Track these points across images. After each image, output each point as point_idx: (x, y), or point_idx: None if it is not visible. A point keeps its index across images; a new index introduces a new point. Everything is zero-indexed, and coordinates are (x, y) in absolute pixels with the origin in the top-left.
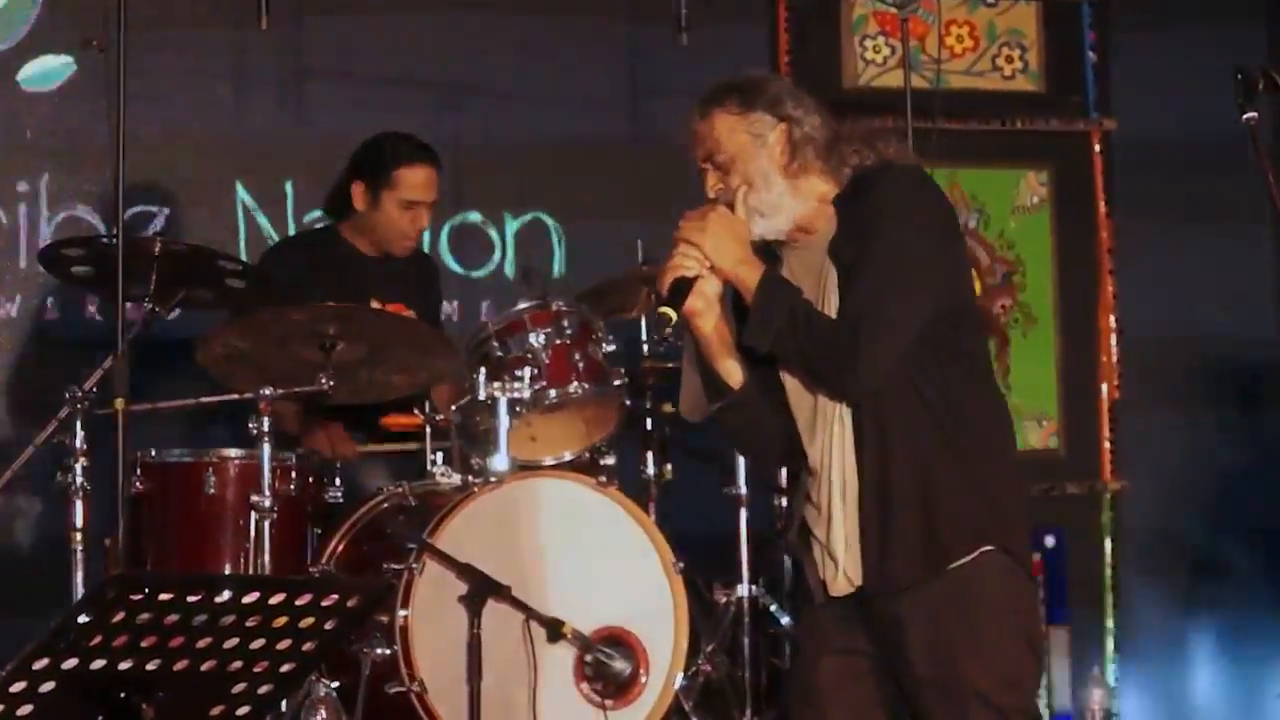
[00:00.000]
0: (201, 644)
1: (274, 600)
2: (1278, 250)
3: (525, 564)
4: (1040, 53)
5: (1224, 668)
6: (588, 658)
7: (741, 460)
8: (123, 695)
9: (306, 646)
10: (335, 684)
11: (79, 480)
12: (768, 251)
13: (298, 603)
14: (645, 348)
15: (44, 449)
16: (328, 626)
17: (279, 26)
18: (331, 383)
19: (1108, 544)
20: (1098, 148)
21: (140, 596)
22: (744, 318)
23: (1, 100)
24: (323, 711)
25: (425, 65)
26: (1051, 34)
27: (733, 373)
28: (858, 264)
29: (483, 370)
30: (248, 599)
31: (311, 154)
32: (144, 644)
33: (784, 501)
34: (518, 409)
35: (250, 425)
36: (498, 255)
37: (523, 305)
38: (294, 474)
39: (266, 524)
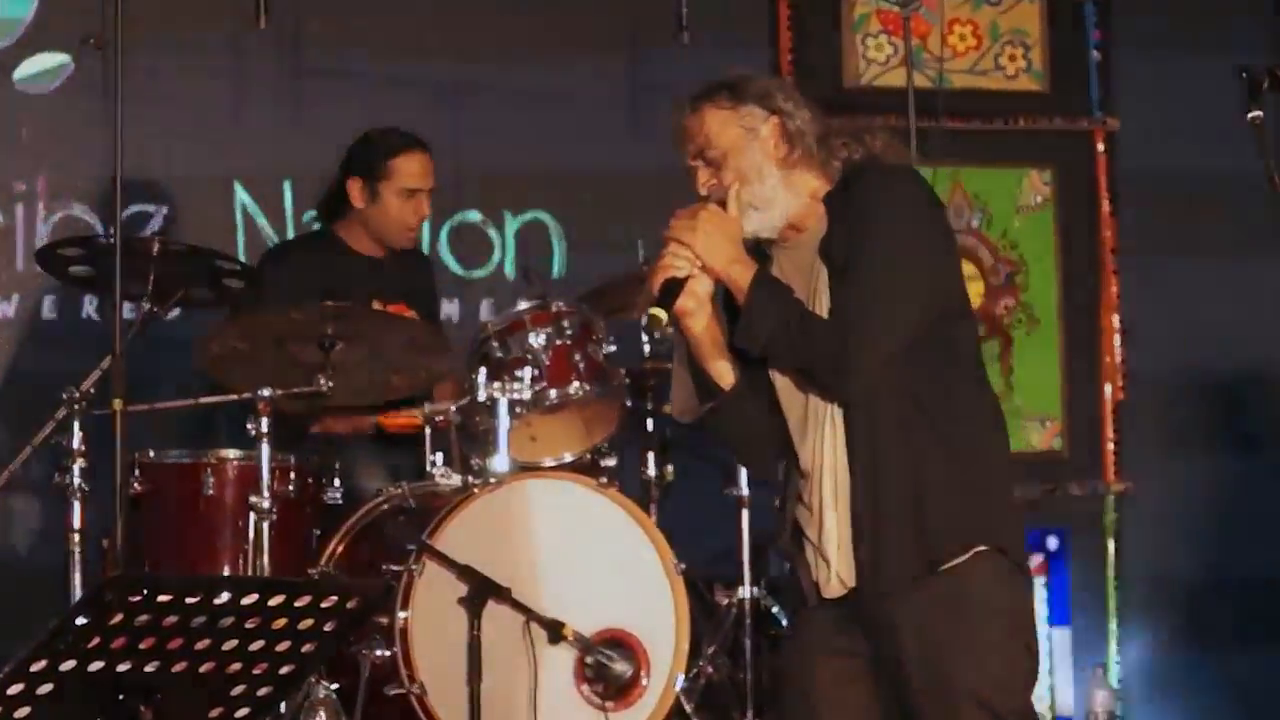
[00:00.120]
0: (200, 646)
1: (273, 602)
2: None
3: (525, 565)
4: (1043, 52)
5: (1228, 668)
6: (588, 659)
7: None
8: (121, 697)
9: (306, 648)
10: (335, 686)
11: (77, 481)
12: (758, 251)
13: (297, 604)
14: (646, 348)
15: (42, 450)
16: (327, 628)
17: (278, 26)
18: (330, 383)
19: (1111, 545)
20: (1101, 147)
21: (139, 598)
22: (735, 317)
23: None
24: (322, 713)
25: (425, 65)
26: (1055, 33)
27: (724, 373)
28: (849, 264)
29: (483, 371)
30: (247, 601)
31: (310, 154)
32: (142, 646)
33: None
34: (518, 409)
35: (249, 426)
36: (497, 255)
37: (523, 305)
38: (293, 475)
39: (265, 525)
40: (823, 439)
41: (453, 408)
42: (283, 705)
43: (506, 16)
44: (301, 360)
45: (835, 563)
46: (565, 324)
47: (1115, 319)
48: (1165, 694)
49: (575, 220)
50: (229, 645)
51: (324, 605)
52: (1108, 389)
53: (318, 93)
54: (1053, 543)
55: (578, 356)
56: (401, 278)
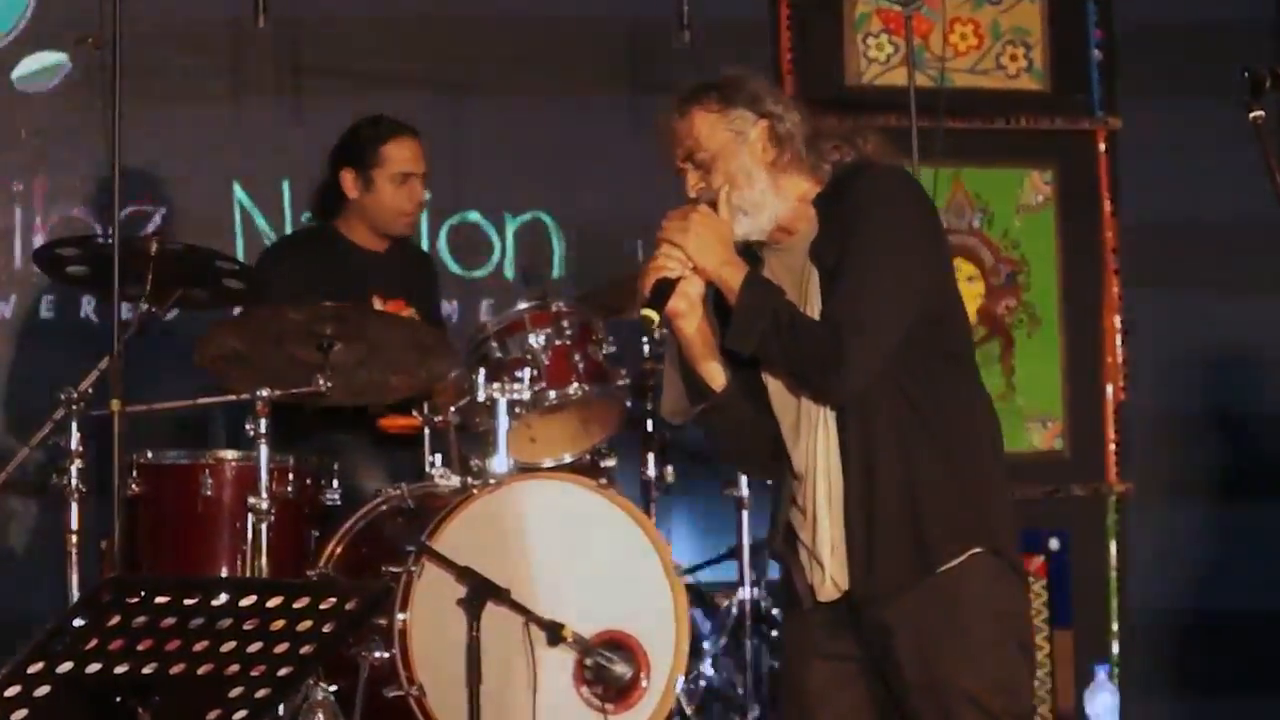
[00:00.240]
0: (198, 647)
1: (271, 603)
2: None
3: (525, 567)
4: (1045, 51)
5: (1230, 669)
6: (588, 661)
7: None
8: (119, 699)
9: (304, 650)
10: (333, 688)
11: (74, 482)
12: (748, 253)
13: (295, 606)
14: (646, 349)
15: (39, 450)
16: (325, 630)
17: (277, 25)
18: (329, 384)
19: (1112, 546)
20: (1103, 146)
21: (136, 599)
22: (726, 319)
23: None
24: (320, 715)
25: (424, 65)
26: (1056, 32)
27: (715, 375)
28: (840, 266)
29: (482, 371)
30: (245, 602)
31: (309, 153)
32: (140, 647)
33: None
34: (517, 410)
35: (247, 427)
36: (497, 255)
37: (522, 306)
38: (291, 476)
39: (264, 526)
40: (815, 442)
41: (452, 408)
42: (281, 707)
43: (507, 16)
44: (300, 360)
45: (829, 566)
46: (565, 324)
47: (1117, 319)
48: (1167, 695)
49: (575, 220)
50: (227, 647)
51: (322, 607)
52: (1109, 389)
53: (316, 92)
54: (1054, 544)
55: (577, 357)
56: (403, 274)
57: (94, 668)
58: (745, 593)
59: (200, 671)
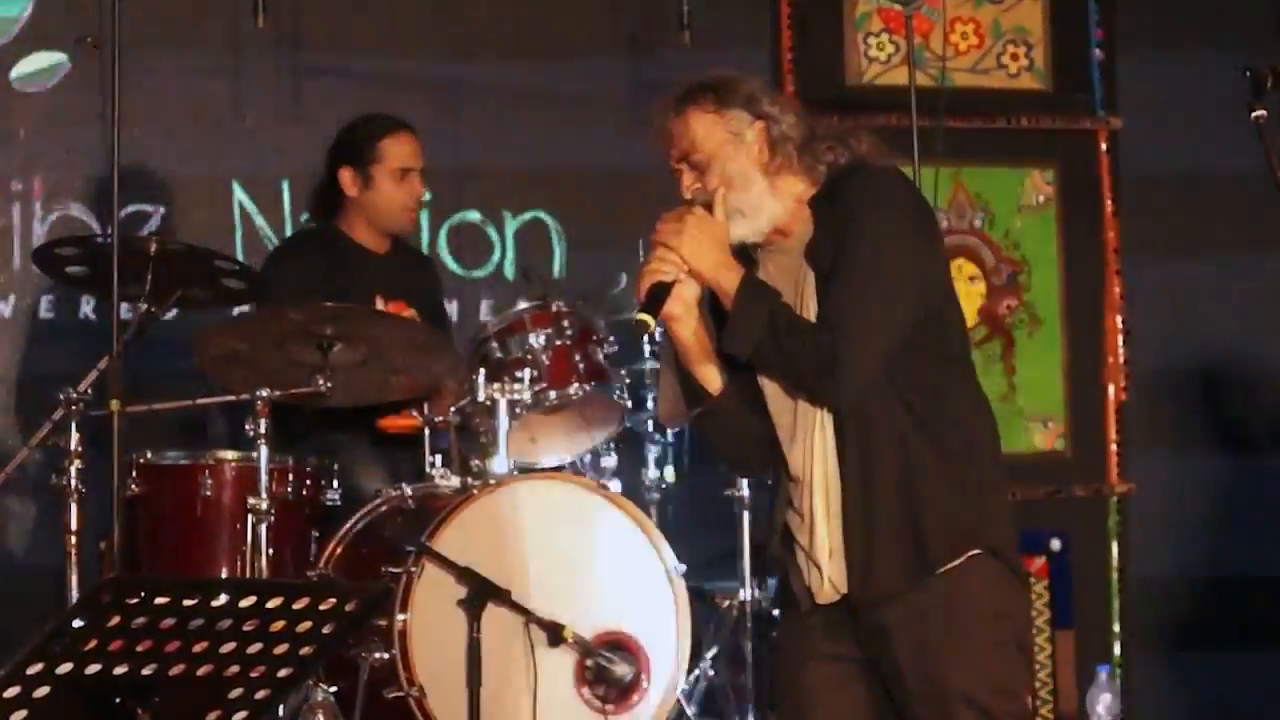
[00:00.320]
0: (198, 648)
1: (271, 604)
2: None
3: (525, 567)
4: (1046, 50)
5: (1232, 669)
6: (589, 662)
7: None
8: (118, 700)
9: (304, 651)
10: (333, 689)
11: (74, 482)
12: (743, 254)
13: (295, 607)
14: (646, 349)
15: (39, 451)
16: (325, 631)
17: (276, 24)
18: (329, 384)
19: (1114, 547)
20: (1104, 146)
21: (136, 600)
22: (722, 322)
23: None
24: (320, 716)
25: (425, 65)
26: (1057, 31)
27: (712, 378)
28: (836, 268)
29: (482, 371)
30: (244, 603)
31: (309, 153)
32: (140, 648)
33: None
34: (517, 410)
35: (247, 427)
36: (497, 255)
37: (523, 306)
38: (291, 476)
39: (264, 527)
40: (813, 445)
41: (452, 409)
42: (281, 708)
43: (506, 16)
44: (300, 361)
45: (827, 569)
46: (565, 324)
47: (1118, 319)
48: (1168, 695)
49: (575, 220)
50: (227, 648)
51: (322, 607)
52: (1110, 389)
53: (316, 92)
54: (1056, 544)
55: (577, 357)
56: (404, 275)
57: (93, 668)
58: (745, 593)
59: (200, 672)
